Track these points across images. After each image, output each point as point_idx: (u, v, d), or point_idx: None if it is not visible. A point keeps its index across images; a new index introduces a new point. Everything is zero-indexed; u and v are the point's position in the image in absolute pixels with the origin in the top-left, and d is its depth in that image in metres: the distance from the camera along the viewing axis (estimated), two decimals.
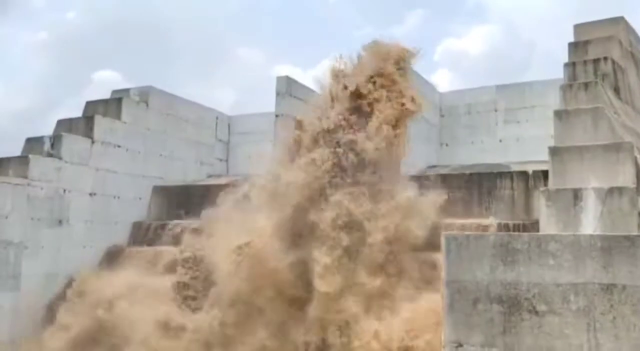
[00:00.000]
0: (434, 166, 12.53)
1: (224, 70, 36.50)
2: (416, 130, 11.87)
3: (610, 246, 3.70)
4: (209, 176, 13.77)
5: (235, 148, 14.58)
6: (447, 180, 10.83)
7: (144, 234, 11.78)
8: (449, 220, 9.85)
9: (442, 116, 13.66)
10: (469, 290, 4.11)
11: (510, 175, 10.80)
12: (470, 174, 11.24)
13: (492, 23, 38.25)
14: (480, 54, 34.39)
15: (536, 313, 3.86)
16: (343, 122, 9.16)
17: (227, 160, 14.73)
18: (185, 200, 11.99)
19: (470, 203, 10.91)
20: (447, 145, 13.54)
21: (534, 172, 9.76)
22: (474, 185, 10.96)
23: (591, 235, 3.91)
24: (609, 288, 3.66)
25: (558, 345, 3.79)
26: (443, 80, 34.21)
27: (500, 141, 13.05)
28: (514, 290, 3.94)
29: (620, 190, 6.73)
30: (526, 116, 12.74)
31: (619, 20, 9.87)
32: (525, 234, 4.37)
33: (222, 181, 11.96)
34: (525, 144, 12.41)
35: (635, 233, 6.08)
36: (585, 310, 3.71)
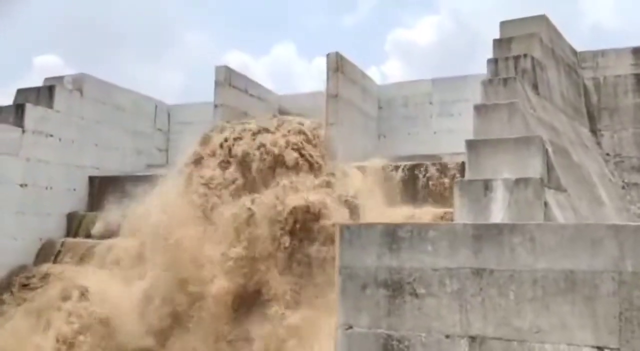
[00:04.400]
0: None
1: (172, 56, 35.96)
2: (355, 122, 12.12)
3: (481, 234, 4.00)
4: (149, 166, 13.68)
5: (176, 138, 14.41)
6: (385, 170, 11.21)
7: (77, 225, 11.67)
8: (388, 209, 10.28)
9: (380, 108, 13.95)
10: (359, 275, 4.36)
11: (442, 165, 11.17)
12: (404, 165, 11.57)
13: (442, 13, 39.00)
14: (430, 44, 35.00)
15: (416, 296, 4.15)
16: None
17: (167, 150, 14.64)
18: (123, 191, 11.90)
19: (405, 193, 11.22)
20: (384, 136, 13.84)
21: (463, 163, 10.16)
22: (409, 175, 11.30)
23: (464, 224, 4.21)
24: (478, 272, 3.96)
25: (435, 324, 4.09)
26: (394, 70, 34.61)
27: (435, 133, 13.44)
28: (397, 275, 4.21)
29: (526, 180, 7.12)
30: (459, 109, 13.14)
31: (542, 18, 10.35)
32: (409, 223, 4.66)
33: (161, 171, 11.93)
34: (459, 136, 12.81)
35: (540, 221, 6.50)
36: (458, 292, 4.02)
